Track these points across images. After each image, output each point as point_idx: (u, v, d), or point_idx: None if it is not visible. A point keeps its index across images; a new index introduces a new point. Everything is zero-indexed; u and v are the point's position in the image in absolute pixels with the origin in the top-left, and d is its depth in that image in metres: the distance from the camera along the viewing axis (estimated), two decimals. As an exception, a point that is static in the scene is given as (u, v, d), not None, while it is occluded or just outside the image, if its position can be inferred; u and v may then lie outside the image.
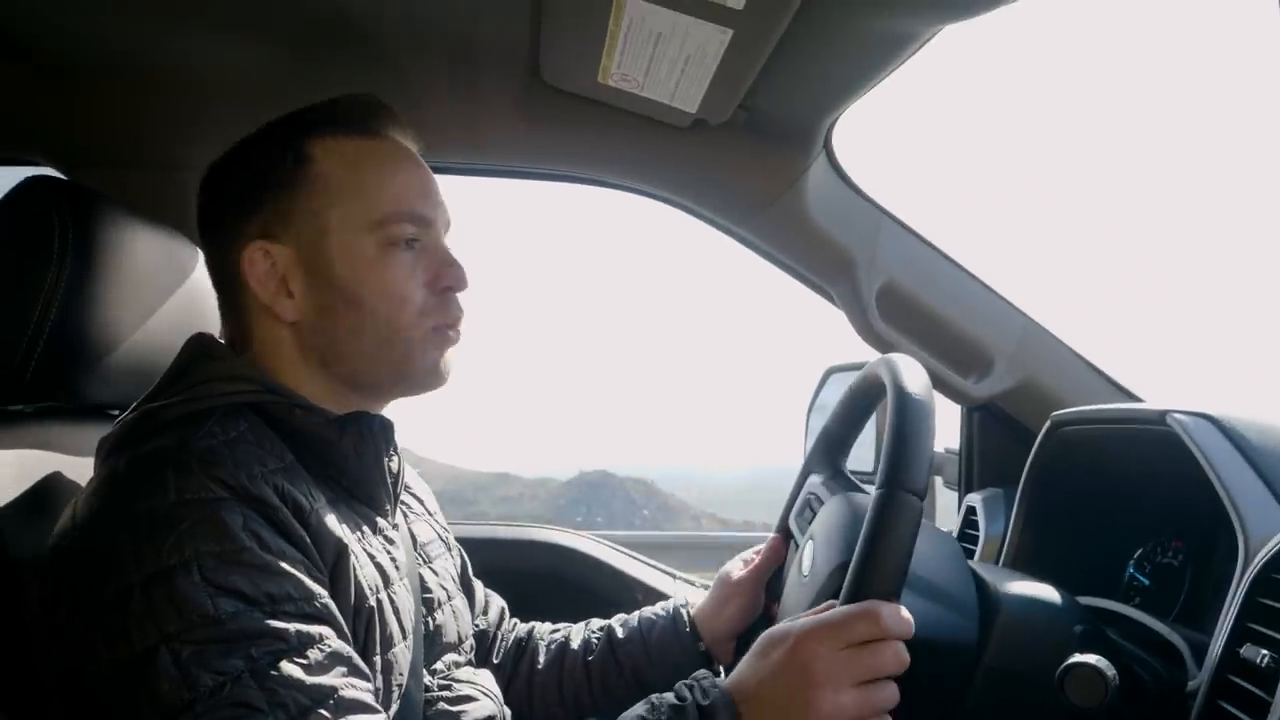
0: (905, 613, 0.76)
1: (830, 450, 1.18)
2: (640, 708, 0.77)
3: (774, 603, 1.16)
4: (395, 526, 0.96)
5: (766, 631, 0.80)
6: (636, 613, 1.22)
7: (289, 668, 0.69)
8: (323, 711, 0.68)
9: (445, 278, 0.93)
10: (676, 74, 1.20)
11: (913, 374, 0.86)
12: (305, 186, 0.90)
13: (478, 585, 1.23)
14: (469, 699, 0.99)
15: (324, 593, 0.76)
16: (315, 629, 0.72)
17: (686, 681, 0.79)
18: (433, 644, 0.98)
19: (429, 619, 0.98)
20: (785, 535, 1.18)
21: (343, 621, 0.77)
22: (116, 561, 0.71)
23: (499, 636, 1.23)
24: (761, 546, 1.20)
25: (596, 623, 1.23)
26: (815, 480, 1.14)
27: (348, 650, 0.74)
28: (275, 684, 0.67)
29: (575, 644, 1.20)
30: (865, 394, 1.10)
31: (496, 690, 1.05)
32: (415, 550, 1.01)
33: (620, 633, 1.19)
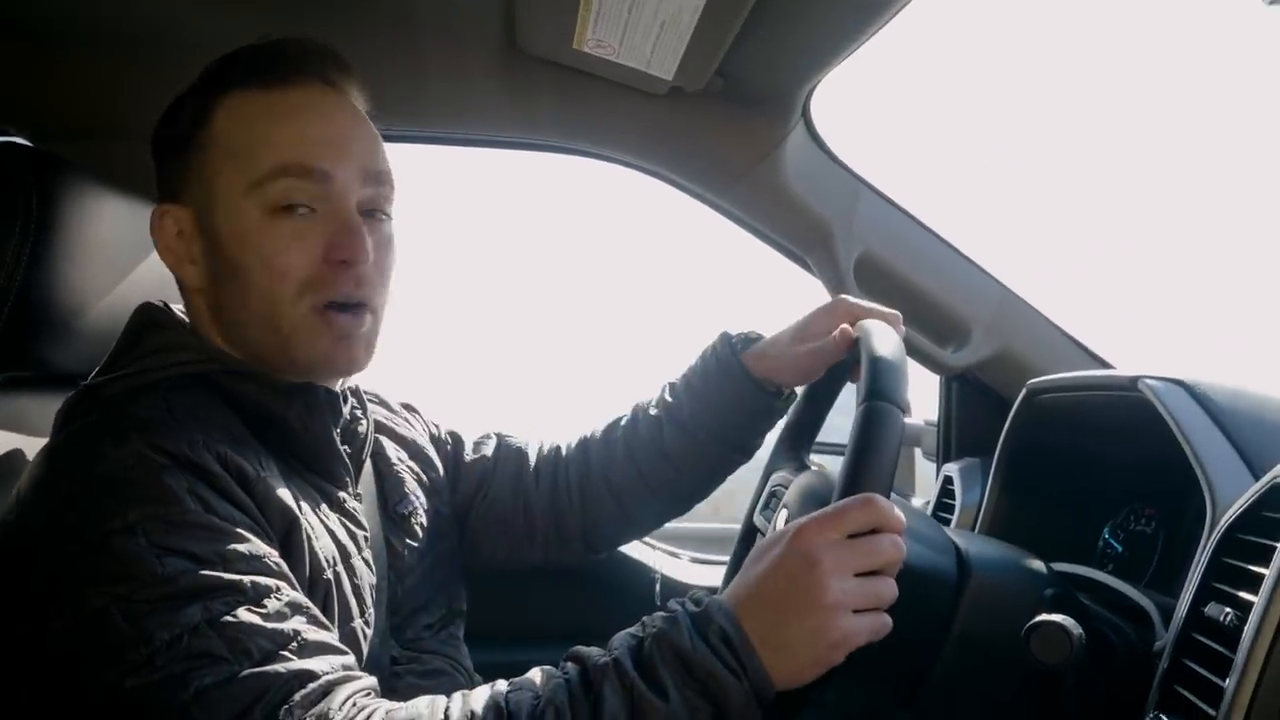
0: (897, 509, 0.74)
1: (795, 443, 1.15)
2: (633, 627, 0.73)
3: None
4: (358, 496, 0.94)
5: (759, 542, 0.77)
6: (676, 379, 1.15)
7: (247, 615, 0.68)
8: (286, 653, 0.67)
9: (338, 248, 0.83)
10: (652, 39, 1.19)
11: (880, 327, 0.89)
12: (202, 148, 0.84)
13: (468, 443, 1.19)
14: (439, 673, 0.98)
15: (276, 554, 0.75)
16: (271, 581, 0.71)
17: (678, 598, 0.75)
18: (400, 610, 0.97)
19: (399, 586, 0.97)
20: (751, 531, 1.15)
21: (297, 583, 0.76)
22: (59, 532, 0.70)
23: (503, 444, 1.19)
24: None
25: (631, 408, 1.18)
26: (780, 475, 1.12)
27: (305, 601, 0.73)
28: (235, 630, 0.66)
29: (625, 426, 1.16)
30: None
31: (468, 664, 1.05)
32: (384, 512, 0.99)
33: (671, 396, 1.13)
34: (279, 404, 0.85)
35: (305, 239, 0.83)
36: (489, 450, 1.18)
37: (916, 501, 1.74)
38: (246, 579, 0.70)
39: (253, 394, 0.85)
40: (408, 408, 1.16)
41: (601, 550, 1.20)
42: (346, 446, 0.92)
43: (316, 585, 0.80)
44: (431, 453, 1.12)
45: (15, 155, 0.92)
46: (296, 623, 0.70)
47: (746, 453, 1.13)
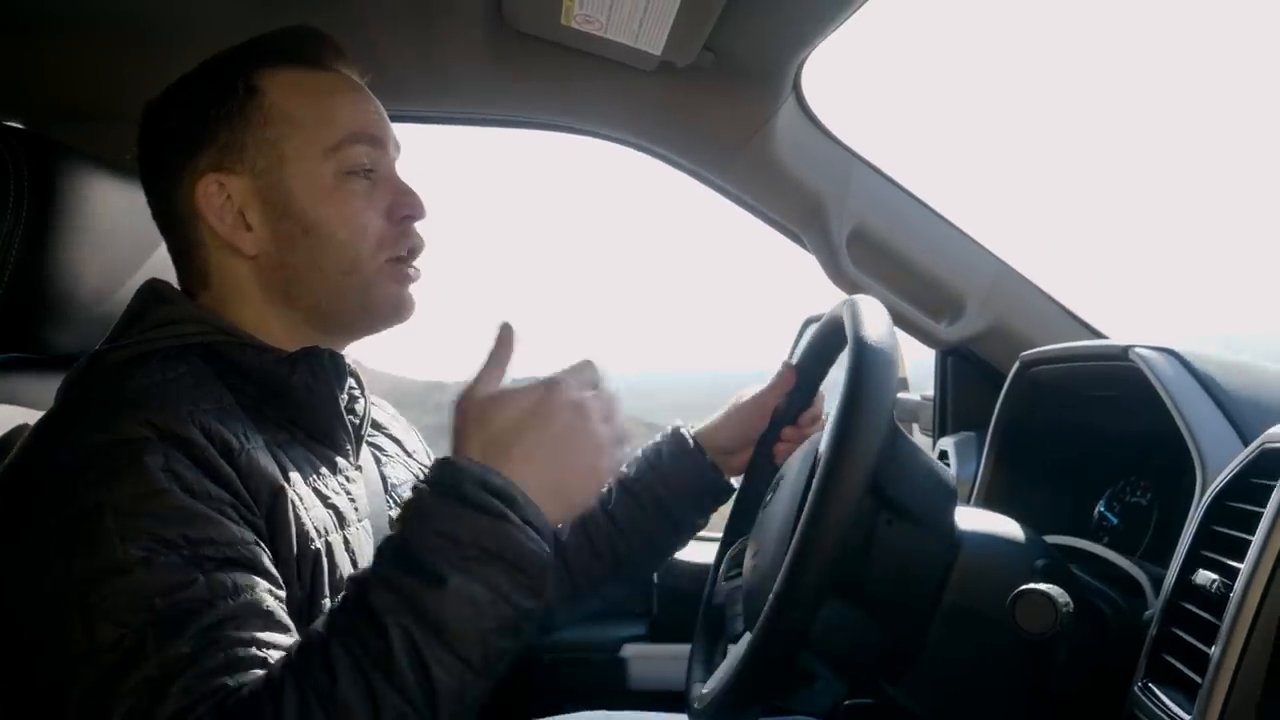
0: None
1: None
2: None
3: (785, 425, 1.16)
4: (359, 467, 0.95)
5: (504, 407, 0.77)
6: (636, 452, 1.21)
7: (192, 621, 0.67)
8: (210, 665, 0.66)
9: (403, 206, 0.92)
10: (639, 13, 1.18)
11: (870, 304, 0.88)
12: (258, 116, 0.88)
13: None
14: None
15: (250, 538, 0.74)
16: (231, 577, 0.70)
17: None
18: None
19: None
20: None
21: (273, 569, 0.76)
22: (37, 503, 0.71)
23: None
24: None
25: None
26: None
27: (268, 603, 0.72)
28: (172, 638, 0.65)
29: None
30: (825, 341, 1.09)
31: None
32: (387, 493, 1.00)
33: (629, 470, 1.19)
34: (283, 369, 0.87)
35: (373, 198, 0.91)
36: None
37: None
38: (203, 577, 0.69)
39: (256, 361, 0.87)
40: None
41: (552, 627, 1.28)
42: (350, 416, 0.94)
43: (305, 554, 0.80)
44: (424, 458, 1.15)
45: (8, 138, 0.92)
46: (242, 630, 0.68)
47: (691, 529, 1.20)
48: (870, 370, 0.78)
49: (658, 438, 1.21)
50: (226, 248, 0.89)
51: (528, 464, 0.73)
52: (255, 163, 0.88)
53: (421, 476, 0.76)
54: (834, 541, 0.73)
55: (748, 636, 0.81)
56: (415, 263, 0.95)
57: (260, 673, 0.67)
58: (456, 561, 0.67)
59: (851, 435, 0.74)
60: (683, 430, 1.19)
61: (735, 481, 1.19)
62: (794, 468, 0.97)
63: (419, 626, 0.65)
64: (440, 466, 0.72)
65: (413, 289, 0.95)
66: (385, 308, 0.93)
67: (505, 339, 0.81)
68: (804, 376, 1.16)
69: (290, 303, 0.91)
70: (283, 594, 0.75)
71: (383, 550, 0.70)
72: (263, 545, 0.76)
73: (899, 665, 0.87)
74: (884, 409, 0.77)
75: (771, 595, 0.75)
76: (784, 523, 0.88)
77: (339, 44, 0.95)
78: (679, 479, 1.17)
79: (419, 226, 0.95)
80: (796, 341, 1.75)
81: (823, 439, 0.79)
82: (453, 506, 0.69)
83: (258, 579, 0.73)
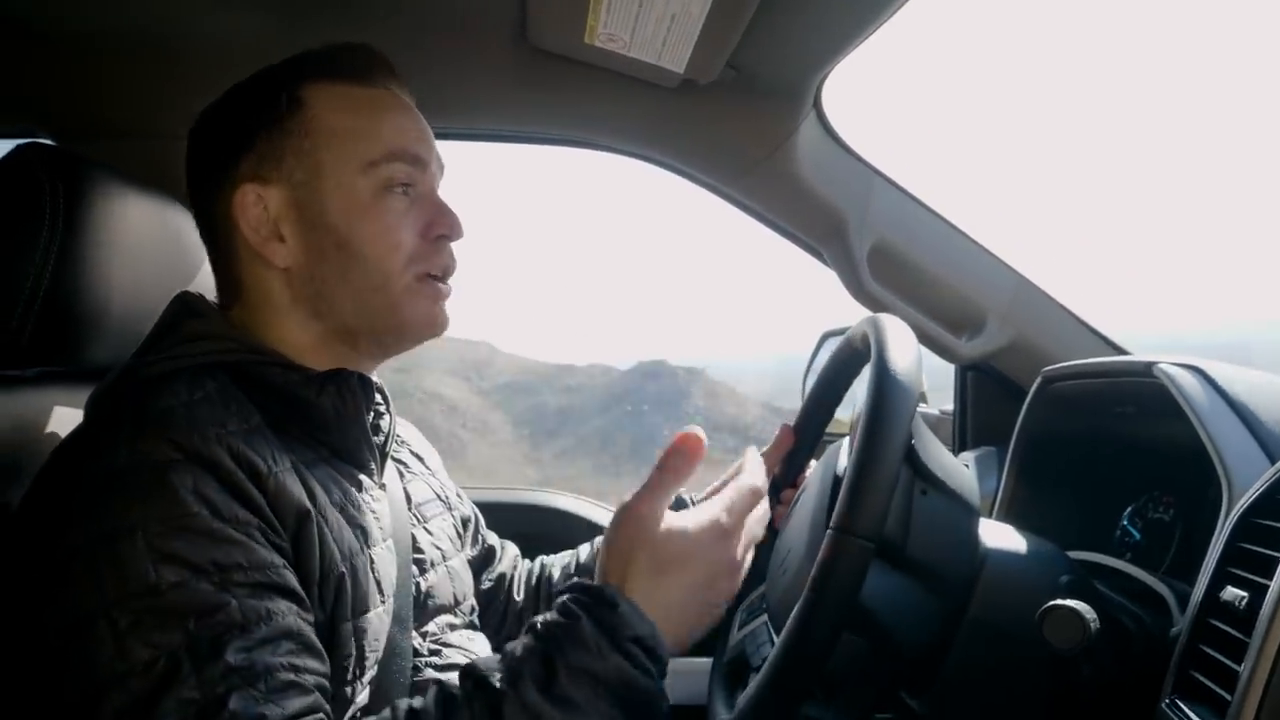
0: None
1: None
2: (525, 636, 0.73)
3: (785, 489, 1.15)
4: (383, 486, 0.95)
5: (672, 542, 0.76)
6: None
7: (227, 644, 0.67)
8: (253, 691, 0.67)
9: (439, 225, 0.92)
10: (663, 33, 1.19)
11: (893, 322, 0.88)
12: (299, 128, 0.89)
13: (491, 537, 1.24)
14: (459, 666, 0.98)
15: (279, 561, 0.75)
16: (263, 604, 0.71)
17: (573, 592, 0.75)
18: (424, 606, 0.97)
19: (420, 580, 0.97)
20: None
21: (301, 591, 0.76)
22: (64, 524, 0.71)
23: (514, 577, 1.24)
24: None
25: (586, 549, 1.26)
26: None
27: (298, 626, 0.73)
28: (208, 661, 0.66)
29: (557, 571, 1.24)
30: (848, 357, 1.09)
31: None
32: (410, 510, 1.01)
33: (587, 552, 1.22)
34: (311, 390, 0.88)
35: (409, 216, 0.91)
36: (495, 541, 1.25)
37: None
38: (236, 601, 0.69)
39: (283, 381, 0.87)
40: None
41: None
42: (375, 437, 0.94)
43: (328, 578, 0.80)
44: (449, 490, 1.15)
45: (41, 155, 0.93)
46: (277, 655, 0.70)
47: None
48: (891, 398, 0.77)
49: None
50: (259, 259, 0.90)
51: (674, 608, 0.74)
52: (293, 174, 0.89)
53: (572, 595, 0.74)
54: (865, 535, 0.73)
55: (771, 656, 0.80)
56: (445, 280, 0.94)
57: (301, 700, 0.68)
58: (591, 699, 0.68)
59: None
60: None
61: None
62: (815, 480, 0.98)
63: None
64: (599, 596, 0.72)
65: (443, 304, 0.94)
66: (415, 325, 0.93)
67: (686, 453, 0.76)
68: (802, 437, 1.16)
69: (320, 317, 0.91)
70: (311, 617, 0.76)
71: (518, 662, 0.70)
72: (290, 569, 0.76)
73: (925, 678, 0.87)
74: (900, 439, 0.76)
75: (799, 602, 0.75)
76: (813, 527, 0.89)
77: (389, 61, 0.95)
78: None
79: (455, 247, 0.95)
80: (813, 358, 1.76)
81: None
82: (607, 653, 0.69)
83: (288, 603, 0.73)
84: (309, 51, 0.93)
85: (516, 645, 0.72)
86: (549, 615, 0.72)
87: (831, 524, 0.74)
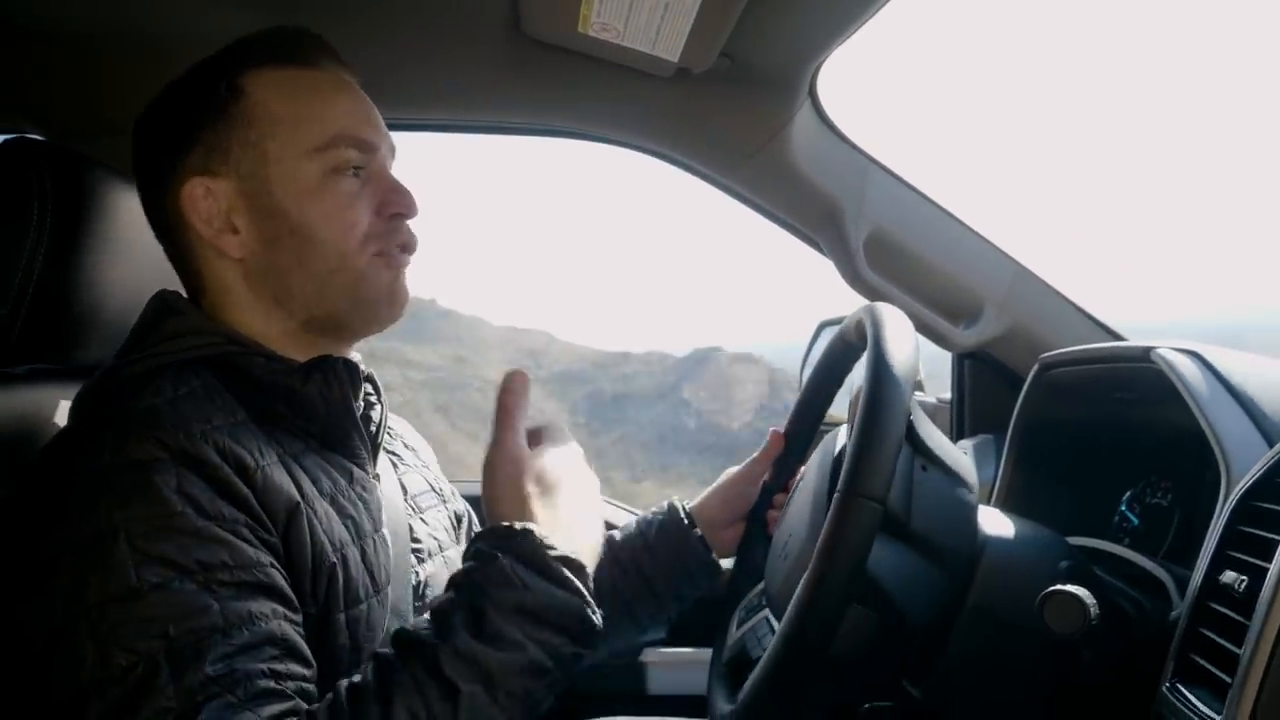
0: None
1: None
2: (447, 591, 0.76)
3: (776, 493, 1.17)
4: (376, 476, 0.94)
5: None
6: (633, 518, 1.23)
7: (208, 650, 0.67)
8: (230, 699, 0.66)
9: (393, 204, 0.91)
10: (657, 21, 1.18)
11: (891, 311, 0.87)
12: (241, 118, 0.87)
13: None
14: None
15: (266, 560, 0.74)
16: (247, 606, 0.71)
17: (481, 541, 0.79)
18: (421, 596, 0.97)
19: (417, 570, 0.97)
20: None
21: (289, 590, 0.76)
22: (49, 525, 0.71)
23: None
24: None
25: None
26: None
27: (282, 630, 0.72)
28: (188, 668, 0.66)
29: None
30: (841, 351, 1.09)
31: None
32: (406, 501, 1.00)
33: (619, 536, 1.20)
34: (296, 380, 0.87)
35: (362, 196, 0.90)
36: None
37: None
38: (218, 604, 0.69)
39: (268, 372, 0.86)
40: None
41: None
42: (367, 427, 0.94)
43: (320, 569, 0.80)
44: (442, 484, 1.15)
45: (31, 151, 0.93)
46: (256, 661, 0.69)
47: (673, 602, 1.18)
48: (887, 389, 0.78)
49: (655, 508, 1.22)
50: (214, 251, 0.89)
51: (576, 523, 0.80)
52: (239, 164, 0.87)
53: (483, 540, 0.78)
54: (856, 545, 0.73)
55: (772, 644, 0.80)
56: (406, 252, 0.93)
57: (278, 706, 0.68)
58: (523, 627, 0.72)
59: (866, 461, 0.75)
60: (677, 503, 1.19)
61: (726, 563, 1.19)
62: (814, 463, 0.98)
63: (486, 690, 0.70)
64: (507, 532, 0.76)
65: (403, 278, 0.93)
66: (376, 301, 0.92)
67: (517, 389, 0.86)
68: (792, 442, 1.17)
69: (281, 305, 0.90)
70: (299, 618, 0.76)
71: (450, 615, 0.72)
72: (279, 567, 0.76)
73: (925, 665, 0.87)
74: (902, 408, 0.77)
75: (799, 588, 0.75)
76: (815, 507, 0.89)
77: (329, 44, 0.94)
78: (664, 546, 1.16)
79: (412, 225, 0.94)
80: (810, 349, 1.75)
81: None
82: (524, 577, 0.73)
83: (274, 605, 0.73)
84: (246, 38, 0.91)
85: (442, 599, 0.74)
86: (466, 564, 0.76)
87: (839, 489, 0.75)
